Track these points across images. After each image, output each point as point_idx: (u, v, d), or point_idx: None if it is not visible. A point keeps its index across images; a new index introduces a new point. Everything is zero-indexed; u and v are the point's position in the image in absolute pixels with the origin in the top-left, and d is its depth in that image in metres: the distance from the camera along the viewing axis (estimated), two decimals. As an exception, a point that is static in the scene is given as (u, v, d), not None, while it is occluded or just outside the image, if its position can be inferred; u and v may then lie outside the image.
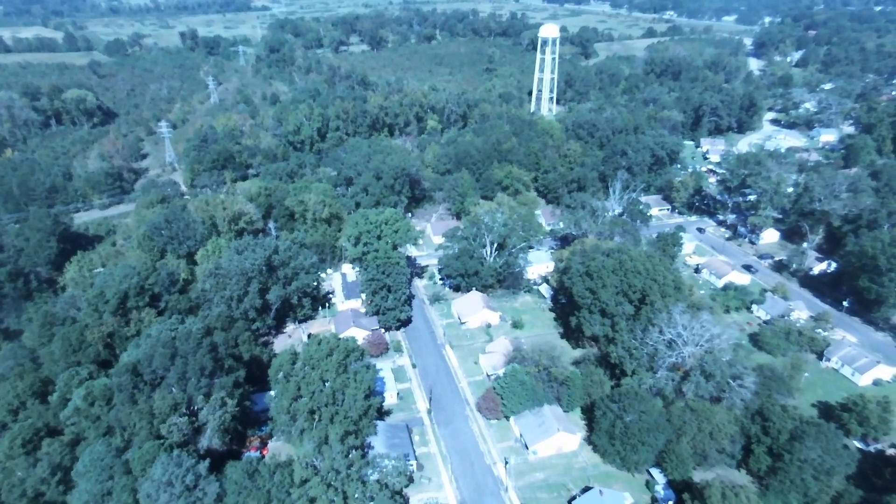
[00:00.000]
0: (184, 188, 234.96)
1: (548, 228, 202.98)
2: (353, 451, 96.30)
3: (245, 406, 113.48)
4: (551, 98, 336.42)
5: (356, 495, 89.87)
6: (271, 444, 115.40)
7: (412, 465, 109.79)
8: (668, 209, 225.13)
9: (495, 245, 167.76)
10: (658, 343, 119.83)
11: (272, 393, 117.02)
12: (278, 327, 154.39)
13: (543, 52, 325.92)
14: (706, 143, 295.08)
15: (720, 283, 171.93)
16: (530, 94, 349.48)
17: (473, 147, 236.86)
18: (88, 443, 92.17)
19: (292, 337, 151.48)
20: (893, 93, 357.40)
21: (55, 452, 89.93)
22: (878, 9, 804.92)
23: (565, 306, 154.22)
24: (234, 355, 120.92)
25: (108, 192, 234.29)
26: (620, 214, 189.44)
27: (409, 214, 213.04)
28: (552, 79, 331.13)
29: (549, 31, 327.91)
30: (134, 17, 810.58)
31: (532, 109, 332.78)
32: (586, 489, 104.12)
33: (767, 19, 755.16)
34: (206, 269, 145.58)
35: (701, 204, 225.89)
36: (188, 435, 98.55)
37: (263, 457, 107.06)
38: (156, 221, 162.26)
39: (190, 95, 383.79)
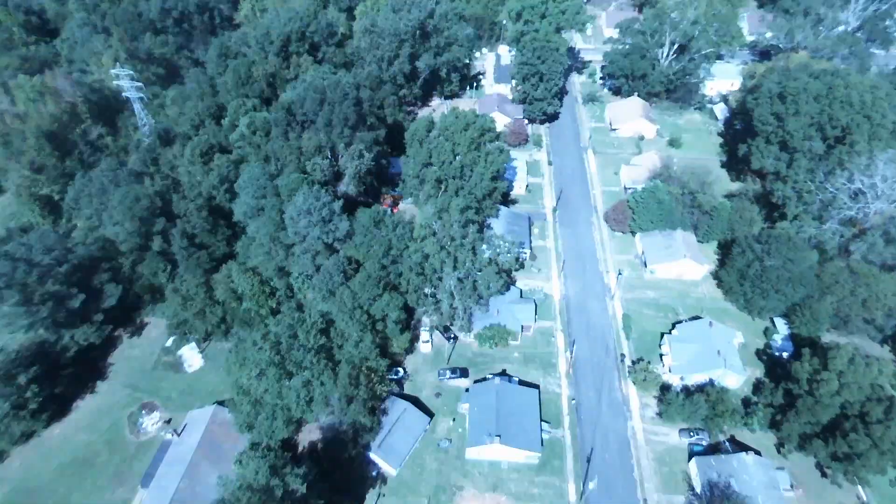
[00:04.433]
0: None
1: (749, 38, 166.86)
2: (472, 224, 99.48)
3: (381, 164, 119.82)
4: None
5: (466, 263, 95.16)
6: (401, 206, 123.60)
7: (525, 253, 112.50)
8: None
9: (676, 46, 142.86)
10: (841, 191, 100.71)
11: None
12: (424, 100, 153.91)
13: None
14: None
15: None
16: None
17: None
18: (249, 164, 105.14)
19: (436, 111, 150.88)
20: None
21: (223, 166, 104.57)
22: None
23: (738, 133, 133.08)
24: (377, 115, 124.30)
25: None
26: (855, 30, 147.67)
27: (585, 0, 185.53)
28: None
29: None
30: None
31: None
32: (695, 317, 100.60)
33: None
34: (362, 26, 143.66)
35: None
36: (328, 177, 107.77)
37: (393, 213, 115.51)
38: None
39: None
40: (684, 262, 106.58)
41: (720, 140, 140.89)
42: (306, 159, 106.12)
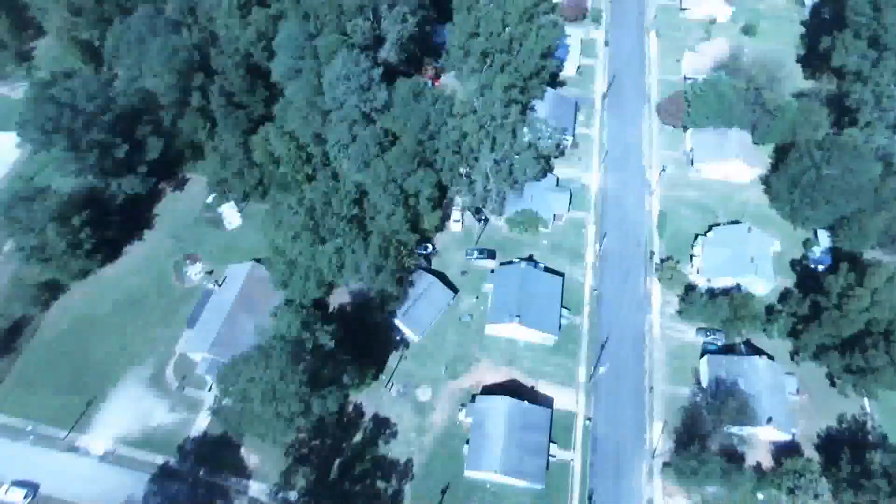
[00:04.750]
0: None
1: None
2: (515, 105, 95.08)
3: (425, 31, 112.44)
4: None
5: (504, 145, 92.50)
6: (443, 80, 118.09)
7: (567, 140, 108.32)
8: None
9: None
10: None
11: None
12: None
13: None
14: None
15: None
16: None
17: None
18: (287, 20, 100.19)
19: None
20: None
21: (261, 21, 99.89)
22: None
23: (825, 23, 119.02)
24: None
25: None
26: None
27: None
28: None
29: None
30: None
31: None
32: (734, 222, 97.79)
33: None
34: None
35: None
36: (369, 41, 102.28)
37: (434, 86, 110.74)
38: None
39: None
40: (734, 164, 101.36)
41: (802, 30, 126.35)
42: (347, 20, 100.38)
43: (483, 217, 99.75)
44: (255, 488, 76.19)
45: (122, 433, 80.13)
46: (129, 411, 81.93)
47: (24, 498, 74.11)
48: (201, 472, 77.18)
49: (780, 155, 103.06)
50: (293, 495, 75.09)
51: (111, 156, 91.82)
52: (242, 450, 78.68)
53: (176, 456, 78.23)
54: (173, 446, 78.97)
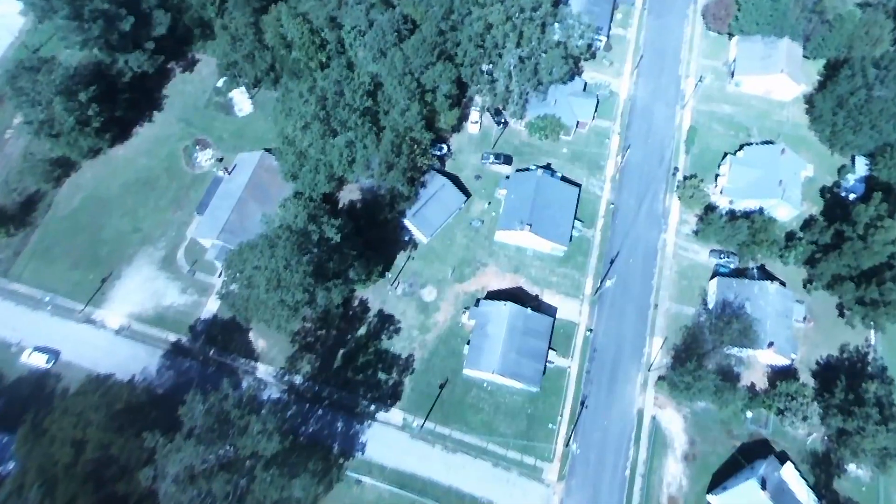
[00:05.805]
0: None
1: None
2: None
3: None
4: None
5: (532, 41, 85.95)
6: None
7: (601, 41, 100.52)
8: None
9: None
10: None
11: None
12: None
13: None
14: None
15: None
16: None
17: None
18: None
19: None
20: None
21: None
22: None
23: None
24: None
25: None
26: None
27: None
28: None
29: None
30: None
31: None
32: (768, 142, 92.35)
33: None
34: None
35: None
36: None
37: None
38: None
39: None
40: (778, 78, 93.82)
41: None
42: None
43: (502, 120, 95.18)
44: (262, 370, 79.69)
45: (136, 310, 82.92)
46: (143, 290, 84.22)
47: (47, 362, 78.43)
48: (211, 352, 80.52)
49: (831, 72, 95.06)
50: (298, 379, 78.65)
51: (116, 28, 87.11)
52: (251, 334, 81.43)
53: (187, 335, 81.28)
54: (185, 326, 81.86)
